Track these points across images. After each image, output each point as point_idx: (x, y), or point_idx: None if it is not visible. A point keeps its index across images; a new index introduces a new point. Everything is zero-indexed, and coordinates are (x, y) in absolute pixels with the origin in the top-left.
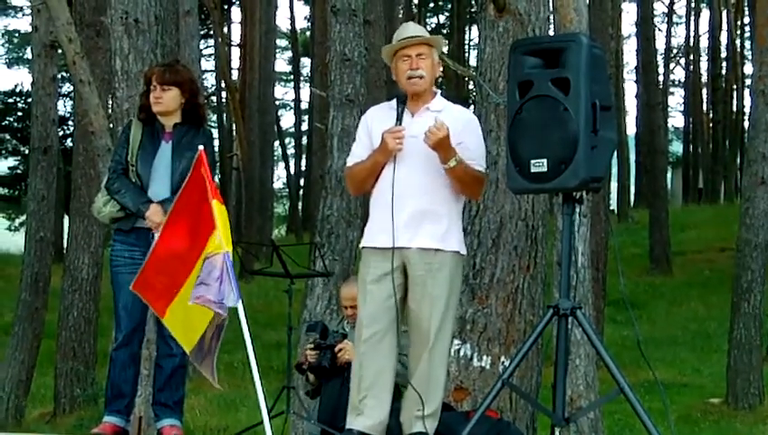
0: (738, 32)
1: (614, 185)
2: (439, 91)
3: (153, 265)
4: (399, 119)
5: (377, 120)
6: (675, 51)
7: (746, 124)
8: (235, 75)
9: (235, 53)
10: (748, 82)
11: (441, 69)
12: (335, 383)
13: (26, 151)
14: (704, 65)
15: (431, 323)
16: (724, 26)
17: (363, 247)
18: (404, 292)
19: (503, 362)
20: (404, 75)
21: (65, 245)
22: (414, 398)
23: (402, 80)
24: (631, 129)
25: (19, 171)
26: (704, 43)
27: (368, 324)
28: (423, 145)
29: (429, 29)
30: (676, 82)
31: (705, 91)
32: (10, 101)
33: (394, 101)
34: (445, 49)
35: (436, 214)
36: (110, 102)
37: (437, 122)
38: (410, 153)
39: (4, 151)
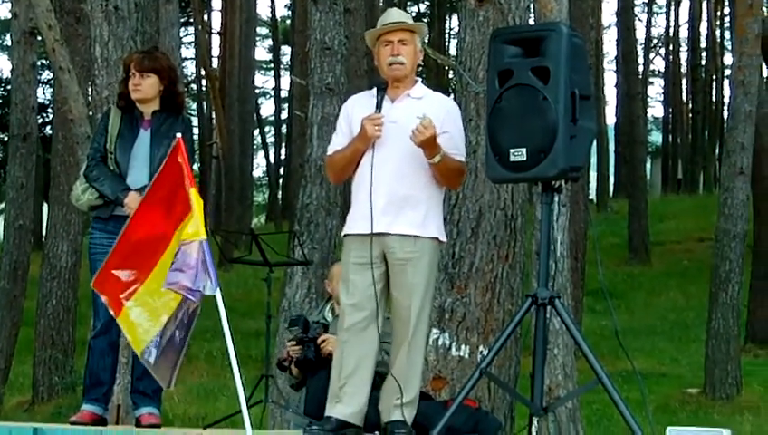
0: (718, 22)
1: (593, 175)
2: (420, 79)
3: (120, 253)
4: (379, 106)
5: (357, 108)
6: (655, 41)
7: (725, 115)
8: (215, 63)
9: (215, 40)
10: (728, 72)
11: (422, 56)
12: (321, 376)
13: (5, 139)
14: (683, 56)
15: (411, 311)
16: (704, 17)
17: (345, 235)
18: (387, 279)
19: (481, 352)
20: (385, 61)
21: (44, 232)
22: (393, 386)
23: (383, 65)
24: (611, 118)
25: None
26: (684, 33)
27: (350, 313)
28: (402, 131)
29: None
30: (656, 72)
31: (684, 81)
32: None
33: (374, 89)
34: (425, 38)
35: (415, 199)
36: (90, 90)
37: (425, 120)
38: (390, 139)
39: None
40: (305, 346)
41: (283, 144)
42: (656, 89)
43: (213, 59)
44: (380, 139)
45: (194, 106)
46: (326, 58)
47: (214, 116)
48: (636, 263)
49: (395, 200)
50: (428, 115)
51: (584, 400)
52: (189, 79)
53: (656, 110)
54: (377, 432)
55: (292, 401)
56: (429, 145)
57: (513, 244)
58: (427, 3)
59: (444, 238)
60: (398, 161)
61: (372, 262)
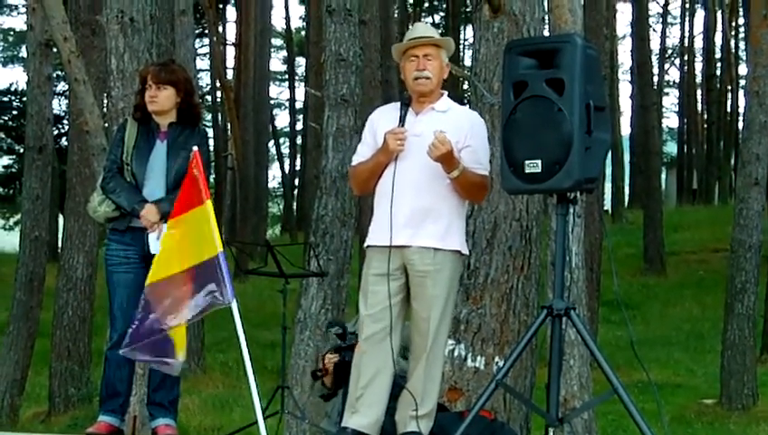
0: (733, 32)
1: (608, 185)
2: (446, 93)
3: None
4: (402, 120)
5: (382, 120)
6: (669, 51)
7: (740, 125)
8: (229, 75)
9: (230, 52)
10: (742, 82)
11: (448, 71)
12: None
13: (21, 150)
14: (698, 66)
15: (430, 323)
16: (719, 27)
17: (367, 246)
18: (406, 291)
19: (497, 363)
20: (411, 75)
21: (60, 244)
22: (410, 398)
23: (409, 80)
24: (626, 129)
25: (14, 170)
26: (698, 43)
27: (369, 323)
28: (426, 144)
29: None
30: (671, 83)
31: (699, 91)
32: (5, 99)
33: (399, 102)
34: (451, 52)
35: (437, 212)
36: (106, 101)
37: (439, 136)
38: (412, 152)
39: None
40: (342, 354)
41: (298, 155)
42: (671, 99)
43: (228, 70)
44: (403, 152)
45: (209, 117)
46: (341, 69)
47: (229, 127)
48: (651, 273)
49: (417, 213)
50: (445, 131)
51: (600, 411)
52: (204, 90)
53: (671, 120)
54: None
55: (308, 412)
56: (447, 160)
57: (528, 255)
58: (442, 14)
59: (466, 251)
60: (420, 174)
61: (390, 274)
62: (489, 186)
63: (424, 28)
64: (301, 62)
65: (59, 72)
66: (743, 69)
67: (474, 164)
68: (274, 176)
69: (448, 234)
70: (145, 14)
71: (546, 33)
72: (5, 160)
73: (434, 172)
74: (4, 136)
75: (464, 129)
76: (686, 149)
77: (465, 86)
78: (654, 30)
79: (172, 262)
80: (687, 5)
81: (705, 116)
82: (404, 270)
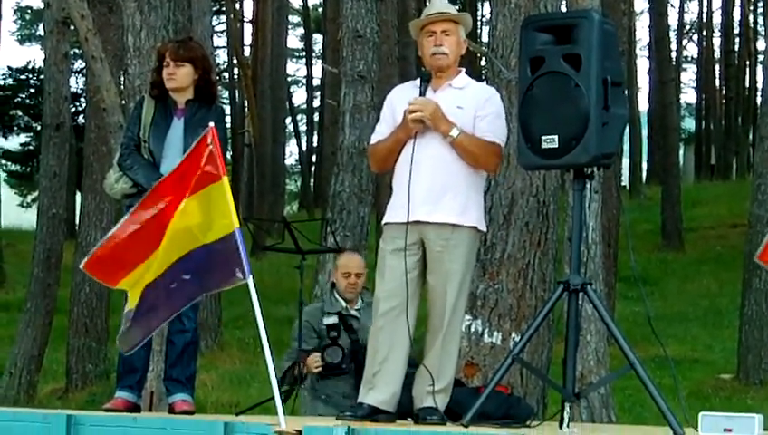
0: (751, 7)
1: (626, 161)
2: (463, 69)
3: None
4: (422, 96)
5: (400, 98)
6: (687, 27)
7: (759, 100)
8: (246, 52)
9: (247, 29)
10: (761, 58)
11: (466, 46)
12: None
13: (38, 128)
14: (716, 41)
15: (447, 299)
16: (737, 2)
17: (385, 223)
18: (422, 267)
19: (513, 338)
20: (428, 51)
21: (77, 221)
22: (427, 373)
23: (426, 56)
24: (644, 105)
25: (31, 148)
26: (716, 18)
27: (385, 298)
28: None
29: None
30: (689, 59)
31: (717, 67)
32: (22, 77)
33: (418, 79)
34: (469, 28)
35: (455, 188)
36: (122, 79)
37: (412, 102)
38: (430, 129)
39: (16, 128)
40: (324, 352)
41: (315, 132)
42: (689, 75)
43: (245, 47)
44: (421, 129)
45: (226, 95)
46: (358, 46)
47: (246, 104)
48: (669, 249)
49: (435, 189)
50: (462, 106)
51: (617, 386)
52: (221, 68)
53: (689, 96)
54: (409, 418)
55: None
56: (437, 122)
57: (545, 230)
58: None
59: (483, 228)
60: (437, 150)
61: (407, 249)
62: (500, 154)
63: (441, 4)
64: (318, 38)
65: (76, 50)
66: (761, 44)
67: (484, 132)
68: (291, 153)
69: (466, 210)
70: None
71: (563, 8)
72: (23, 138)
73: (452, 148)
74: (21, 114)
75: (480, 101)
76: (703, 125)
77: (483, 62)
78: (672, 5)
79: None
80: None
81: (723, 91)
82: (421, 245)
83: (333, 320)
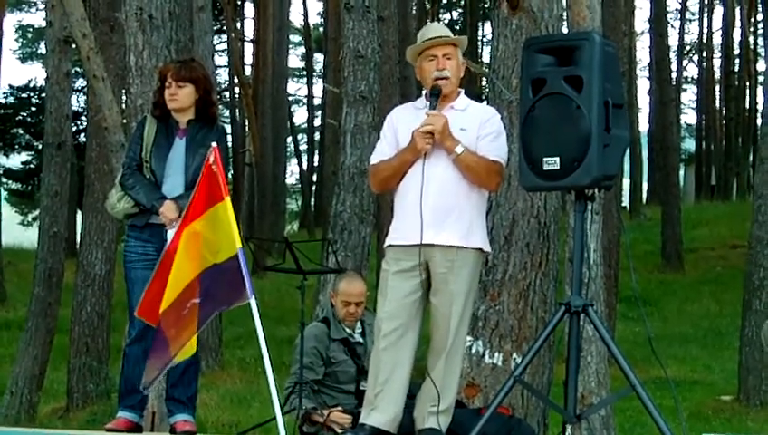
0: (751, 29)
1: (626, 182)
2: (462, 90)
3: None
4: (433, 108)
5: (402, 119)
6: (688, 48)
7: (759, 121)
8: (248, 71)
9: (248, 48)
10: (761, 79)
11: (464, 68)
12: None
13: (40, 146)
14: (717, 62)
15: (451, 320)
16: (738, 23)
17: (388, 245)
18: (426, 288)
19: (514, 359)
20: (430, 75)
21: (78, 240)
22: (428, 393)
23: (428, 79)
24: (644, 125)
25: (32, 166)
26: (717, 39)
27: (388, 320)
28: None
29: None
30: (689, 79)
31: (717, 88)
32: (24, 96)
33: (419, 100)
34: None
35: (459, 210)
36: (124, 98)
37: (430, 115)
38: (435, 150)
39: (17, 146)
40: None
41: (316, 152)
42: (689, 96)
43: (246, 67)
44: (430, 148)
45: (227, 114)
46: (359, 66)
47: (247, 124)
48: (669, 270)
49: (440, 211)
50: (465, 128)
51: (617, 407)
52: (222, 87)
53: (689, 117)
54: None
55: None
56: (444, 137)
57: (546, 251)
58: (460, 10)
59: (488, 249)
60: (442, 172)
61: (410, 271)
62: (502, 173)
63: (439, 28)
64: (319, 58)
65: (77, 69)
66: (761, 65)
67: (485, 152)
68: (292, 172)
69: (471, 232)
70: (164, 11)
71: (565, 30)
72: (24, 157)
73: (456, 170)
74: (23, 132)
75: (482, 120)
76: (704, 146)
77: (484, 82)
78: (672, 26)
79: (185, 269)
80: (706, 2)
81: (724, 112)
82: (425, 267)
83: (341, 347)
